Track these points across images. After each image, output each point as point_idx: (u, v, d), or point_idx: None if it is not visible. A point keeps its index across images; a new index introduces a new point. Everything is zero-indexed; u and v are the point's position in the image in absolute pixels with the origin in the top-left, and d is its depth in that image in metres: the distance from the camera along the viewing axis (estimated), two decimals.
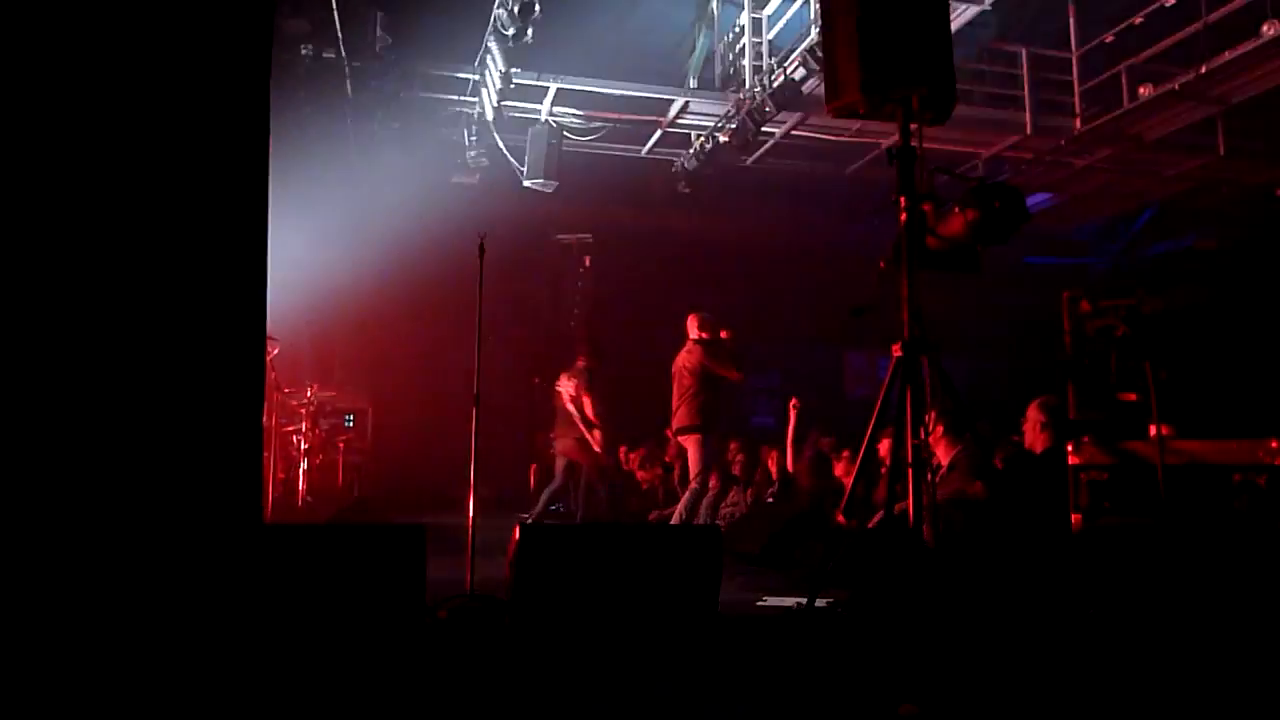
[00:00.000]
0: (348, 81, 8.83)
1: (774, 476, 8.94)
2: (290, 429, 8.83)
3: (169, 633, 2.32)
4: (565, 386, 8.81)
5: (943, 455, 5.37)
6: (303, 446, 8.73)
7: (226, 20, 2.58)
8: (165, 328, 2.43)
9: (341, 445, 10.17)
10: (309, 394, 8.70)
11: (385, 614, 3.95)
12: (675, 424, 7.97)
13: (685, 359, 7.88)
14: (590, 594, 4.22)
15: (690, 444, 7.82)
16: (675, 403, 7.93)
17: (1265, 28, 8.25)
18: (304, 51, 8.25)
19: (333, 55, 8.39)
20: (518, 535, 4.27)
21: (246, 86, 2.62)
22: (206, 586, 2.40)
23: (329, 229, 9.46)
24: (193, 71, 2.53)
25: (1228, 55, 8.59)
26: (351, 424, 11.19)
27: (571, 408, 8.70)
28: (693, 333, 7.92)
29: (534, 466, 12.95)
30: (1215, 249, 11.53)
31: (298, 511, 8.23)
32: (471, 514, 4.81)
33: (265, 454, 7.39)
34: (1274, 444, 3.21)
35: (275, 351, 7.95)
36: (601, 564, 4.29)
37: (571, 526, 8.53)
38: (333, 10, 7.76)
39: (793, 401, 8.73)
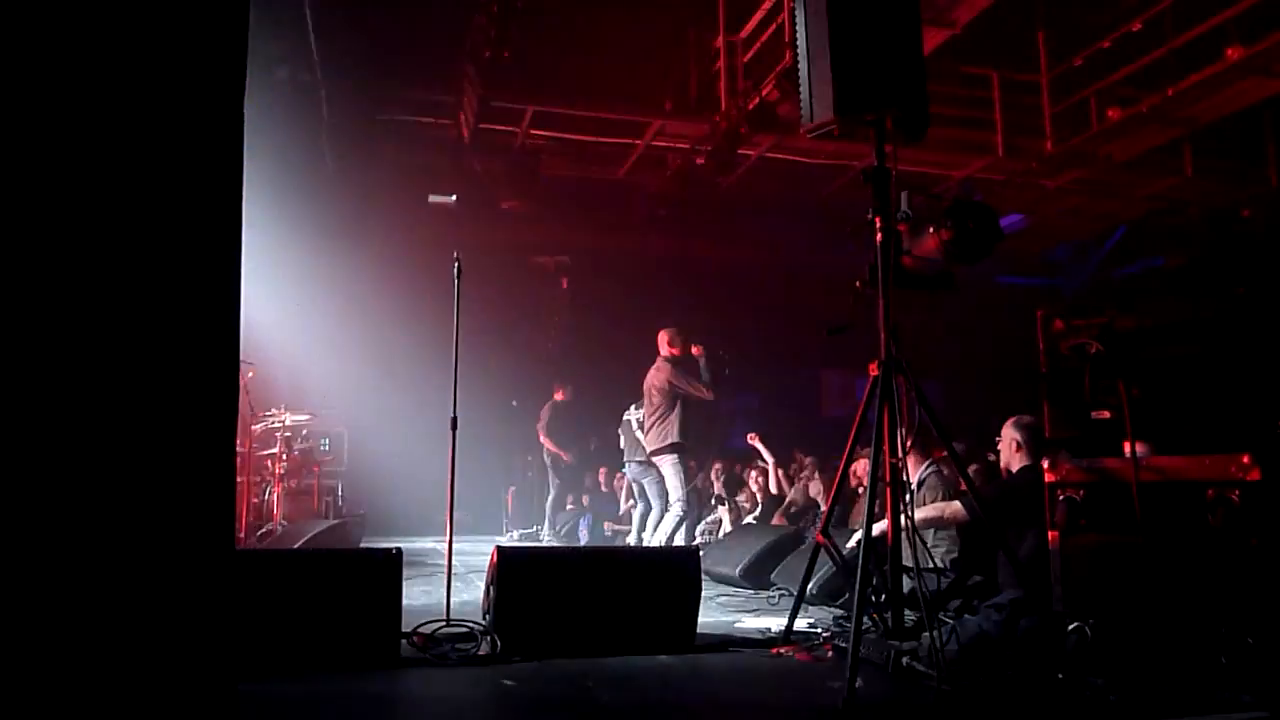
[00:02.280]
0: (324, 104, 8.82)
1: (760, 499, 8.97)
2: (265, 453, 8.74)
3: (137, 661, 2.27)
4: (635, 415, 8.84)
5: (912, 472, 5.38)
6: (278, 471, 8.64)
7: (199, 41, 2.57)
8: (133, 349, 2.40)
9: (317, 469, 10.07)
10: (284, 417, 8.63)
11: (361, 640, 3.91)
12: (648, 445, 7.76)
13: (654, 377, 7.68)
14: (569, 618, 4.19)
15: (665, 465, 7.60)
16: (646, 423, 7.75)
17: (1230, 51, 8.42)
18: (280, 73, 8.23)
19: (309, 78, 8.39)
20: (496, 559, 4.24)
21: (220, 107, 2.61)
22: (177, 613, 2.35)
23: (304, 250, 9.41)
24: (164, 93, 2.51)
25: (1194, 78, 8.75)
26: (327, 447, 11.09)
27: (641, 436, 8.68)
28: (663, 349, 7.73)
29: (512, 490, 12.90)
30: (1185, 268, 11.70)
31: (272, 536, 8.14)
32: (449, 538, 4.77)
33: (239, 478, 7.31)
34: (1246, 459, 3.24)
35: (250, 375, 7.88)
36: (580, 587, 4.27)
37: (550, 550, 8.48)
38: (309, 32, 7.76)
39: (750, 436, 9.02)
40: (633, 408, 8.91)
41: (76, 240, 2.34)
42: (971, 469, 6.01)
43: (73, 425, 2.27)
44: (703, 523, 9.30)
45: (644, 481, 8.36)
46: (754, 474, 9.22)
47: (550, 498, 11.21)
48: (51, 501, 2.22)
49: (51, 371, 2.26)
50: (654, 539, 7.71)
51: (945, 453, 5.19)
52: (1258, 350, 3.48)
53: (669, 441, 7.51)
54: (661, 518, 8.09)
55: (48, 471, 2.23)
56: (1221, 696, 3.10)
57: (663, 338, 7.78)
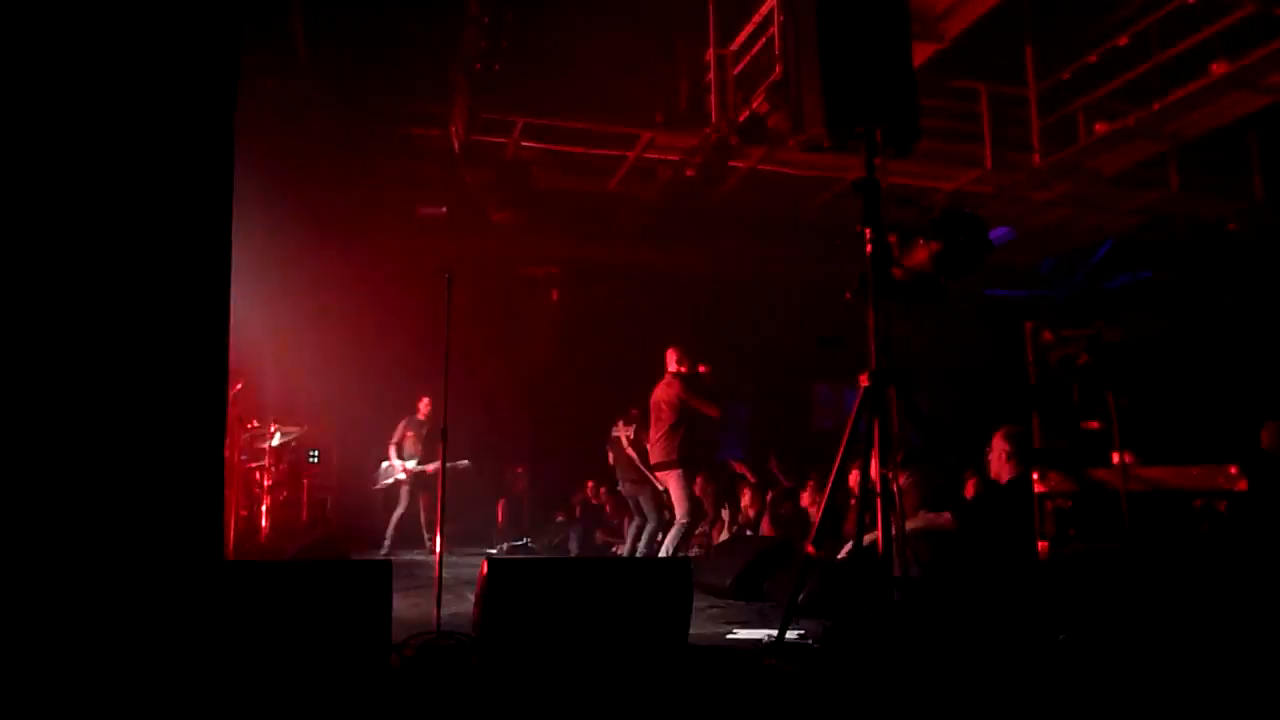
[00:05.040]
0: (314, 115, 8.81)
1: (750, 514, 9.02)
2: (253, 465, 8.70)
3: (126, 673, 2.26)
4: (623, 433, 8.82)
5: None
6: (266, 482, 8.60)
7: (191, 52, 2.57)
8: (124, 362, 2.39)
9: (306, 481, 10.04)
10: (272, 429, 8.60)
11: (350, 652, 3.89)
12: (653, 459, 7.89)
13: (663, 392, 7.82)
14: (560, 629, 4.18)
15: (671, 480, 7.74)
16: (653, 437, 7.88)
17: (1214, 67, 8.50)
18: (269, 85, 8.23)
19: (299, 88, 8.38)
20: (486, 570, 4.22)
21: (210, 118, 2.61)
22: (166, 625, 2.34)
23: (294, 262, 9.39)
24: (156, 106, 2.51)
25: (1180, 93, 8.82)
26: (316, 459, 11.04)
27: (632, 452, 8.65)
28: (671, 366, 7.89)
29: (502, 501, 12.85)
30: (1172, 280, 11.77)
31: (261, 548, 8.09)
32: (439, 550, 4.75)
33: (227, 490, 7.27)
34: (1233, 470, 3.26)
35: (239, 387, 7.85)
36: (571, 598, 4.25)
37: (541, 560, 8.45)
38: (299, 43, 7.76)
39: (736, 465, 9.14)
40: (621, 424, 8.93)
41: (64, 254, 2.33)
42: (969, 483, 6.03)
43: (60, 437, 2.25)
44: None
45: (639, 497, 8.43)
46: (746, 494, 9.26)
47: (397, 514, 10.61)
48: (39, 514, 2.20)
49: (38, 382, 2.25)
50: (660, 551, 7.79)
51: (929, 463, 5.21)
52: (1244, 362, 3.51)
53: (675, 456, 7.66)
54: (656, 531, 8.13)
55: (33, 484, 2.22)
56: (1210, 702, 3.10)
57: (671, 355, 7.95)
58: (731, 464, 9.78)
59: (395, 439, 10.66)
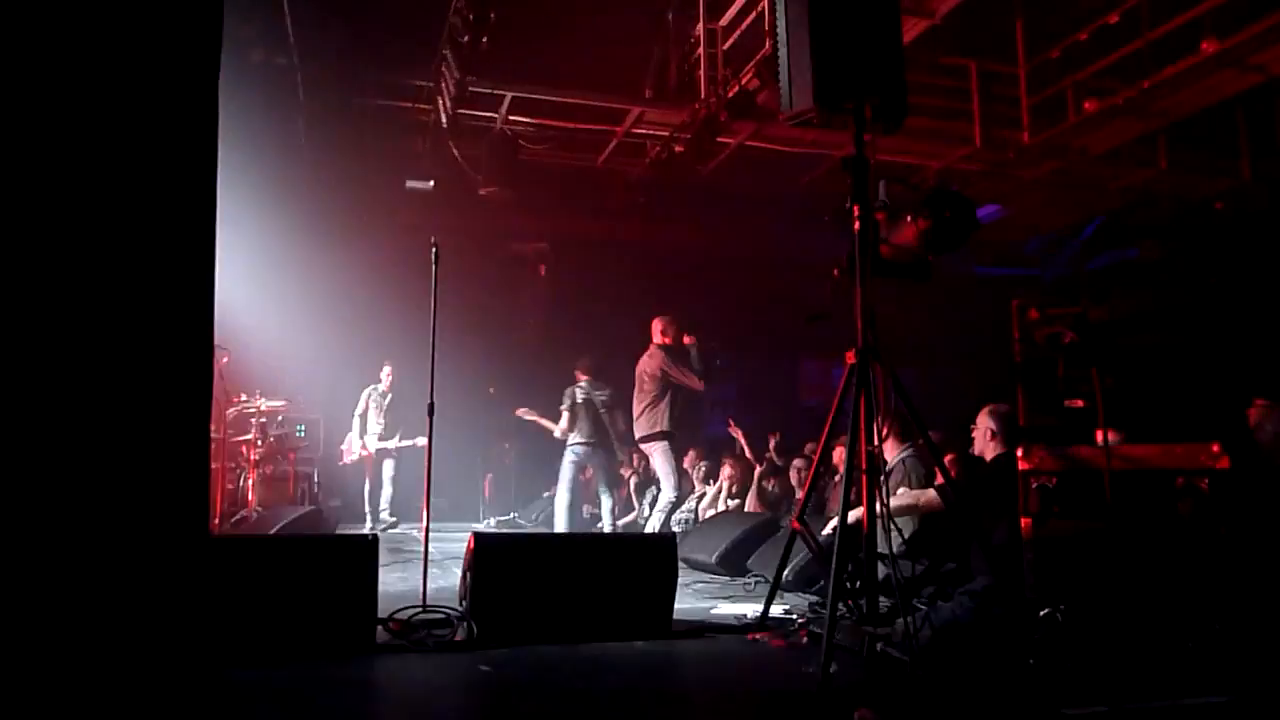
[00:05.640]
0: (300, 88, 8.73)
1: (735, 489, 9.05)
2: (239, 439, 8.68)
3: (109, 649, 2.26)
4: (595, 397, 8.72)
5: (890, 457, 5.42)
6: (253, 457, 8.58)
7: (173, 25, 2.53)
8: (106, 334, 2.37)
9: (292, 455, 10.01)
10: (259, 403, 8.57)
11: (336, 625, 3.90)
12: (638, 431, 7.79)
13: (646, 363, 7.74)
14: (546, 603, 4.20)
15: (655, 452, 7.68)
16: (636, 409, 7.78)
17: (1205, 45, 8.49)
18: (255, 57, 8.14)
19: (285, 61, 8.29)
20: (473, 545, 4.23)
21: (194, 91, 2.58)
22: (150, 600, 2.34)
23: (281, 236, 9.32)
24: (137, 76, 2.48)
25: (1169, 71, 8.81)
26: (303, 434, 11.02)
27: (604, 415, 8.56)
28: (656, 337, 7.79)
29: (489, 476, 12.86)
30: (1158, 259, 11.81)
31: (247, 523, 8.08)
32: (426, 524, 4.76)
33: (213, 464, 7.25)
34: (1215, 448, 3.29)
35: (225, 360, 7.81)
36: (557, 573, 4.27)
37: (527, 536, 8.47)
38: (285, 16, 7.67)
39: (731, 428, 9.22)
40: (590, 387, 8.78)
41: (43, 225, 2.30)
42: (947, 458, 6.05)
43: (41, 412, 2.24)
44: (679, 510, 9.32)
45: (590, 463, 8.21)
46: (728, 464, 9.25)
47: (367, 489, 10.47)
48: (20, 489, 2.19)
49: (16, 355, 2.23)
50: (651, 524, 7.74)
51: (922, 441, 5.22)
52: (1228, 340, 3.53)
53: (659, 429, 7.58)
54: (570, 503, 7.98)
55: (16, 459, 2.20)
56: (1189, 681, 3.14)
57: (656, 325, 7.84)
58: (729, 424, 9.73)
59: (359, 410, 10.50)
